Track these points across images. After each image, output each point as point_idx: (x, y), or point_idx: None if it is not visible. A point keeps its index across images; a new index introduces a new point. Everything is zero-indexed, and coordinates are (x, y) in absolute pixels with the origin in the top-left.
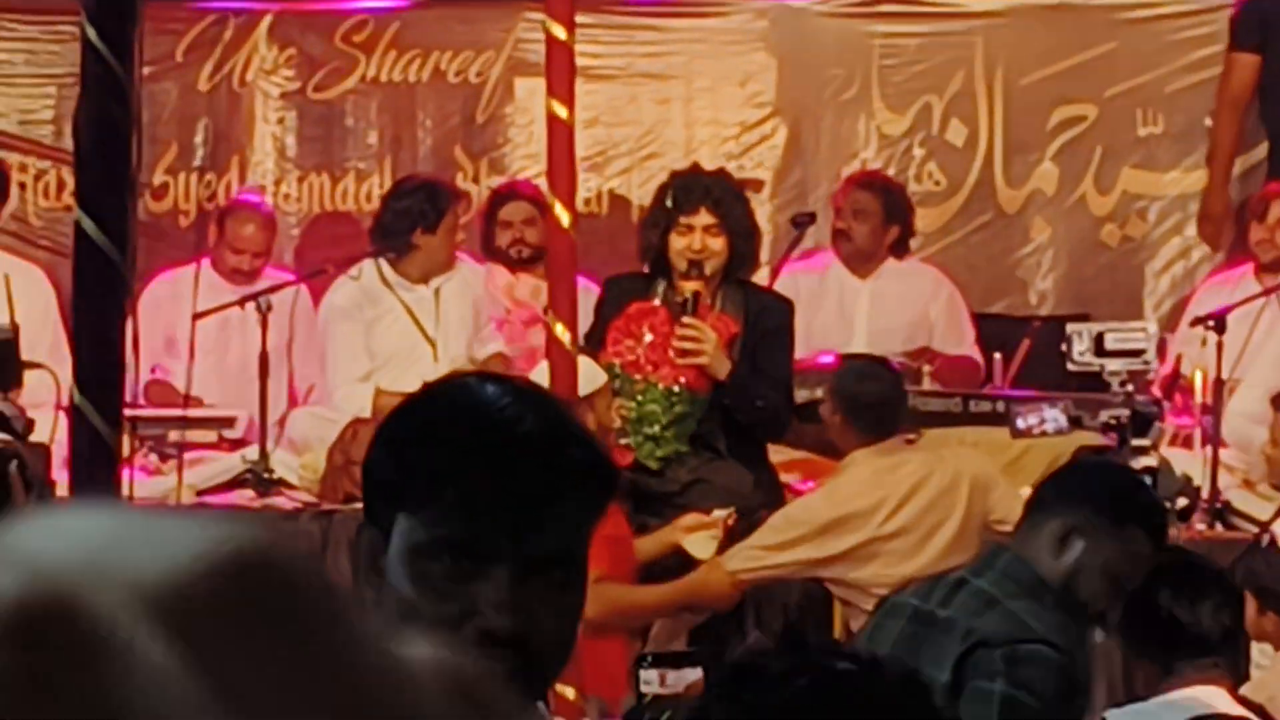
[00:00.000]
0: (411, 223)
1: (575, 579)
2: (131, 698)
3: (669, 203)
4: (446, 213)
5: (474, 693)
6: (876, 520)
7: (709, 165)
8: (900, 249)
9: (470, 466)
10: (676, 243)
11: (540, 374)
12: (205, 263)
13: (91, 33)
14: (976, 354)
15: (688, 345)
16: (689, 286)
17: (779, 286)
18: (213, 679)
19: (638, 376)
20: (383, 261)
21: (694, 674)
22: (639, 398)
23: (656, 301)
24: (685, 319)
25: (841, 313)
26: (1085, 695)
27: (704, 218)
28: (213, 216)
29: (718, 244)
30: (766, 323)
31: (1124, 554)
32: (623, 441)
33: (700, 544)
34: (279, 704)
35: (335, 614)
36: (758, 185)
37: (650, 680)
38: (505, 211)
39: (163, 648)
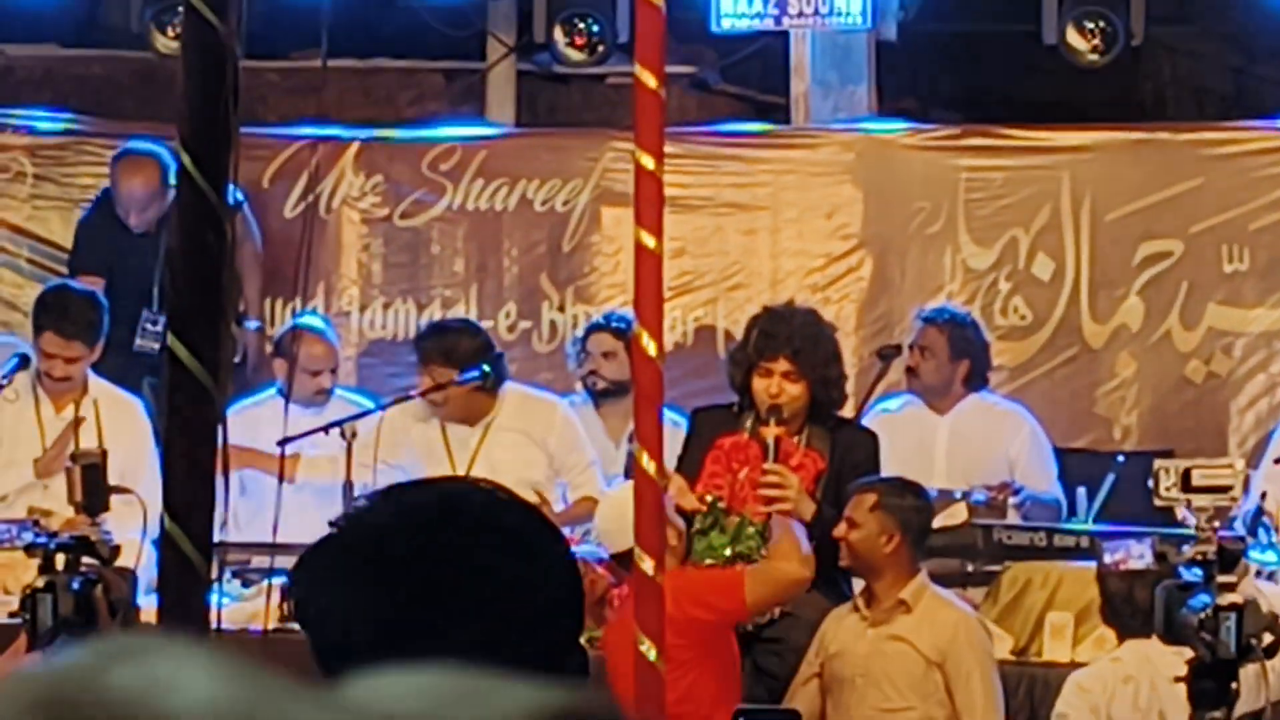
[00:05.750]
0: None
1: None
2: None
3: (752, 343)
4: None
5: None
6: None
7: (794, 297)
8: (976, 384)
9: None
10: (757, 384)
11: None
12: (273, 392)
13: (187, 160)
14: (1059, 490)
15: (772, 492)
16: (768, 432)
17: (865, 421)
18: None
19: (730, 510)
20: None
21: None
22: (737, 532)
23: (745, 435)
24: (767, 465)
25: (920, 449)
26: None
27: (783, 364)
28: (276, 347)
29: (796, 389)
30: (852, 458)
31: None
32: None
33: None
34: None
35: None
36: None
37: None
38: (590, 343)
39: None
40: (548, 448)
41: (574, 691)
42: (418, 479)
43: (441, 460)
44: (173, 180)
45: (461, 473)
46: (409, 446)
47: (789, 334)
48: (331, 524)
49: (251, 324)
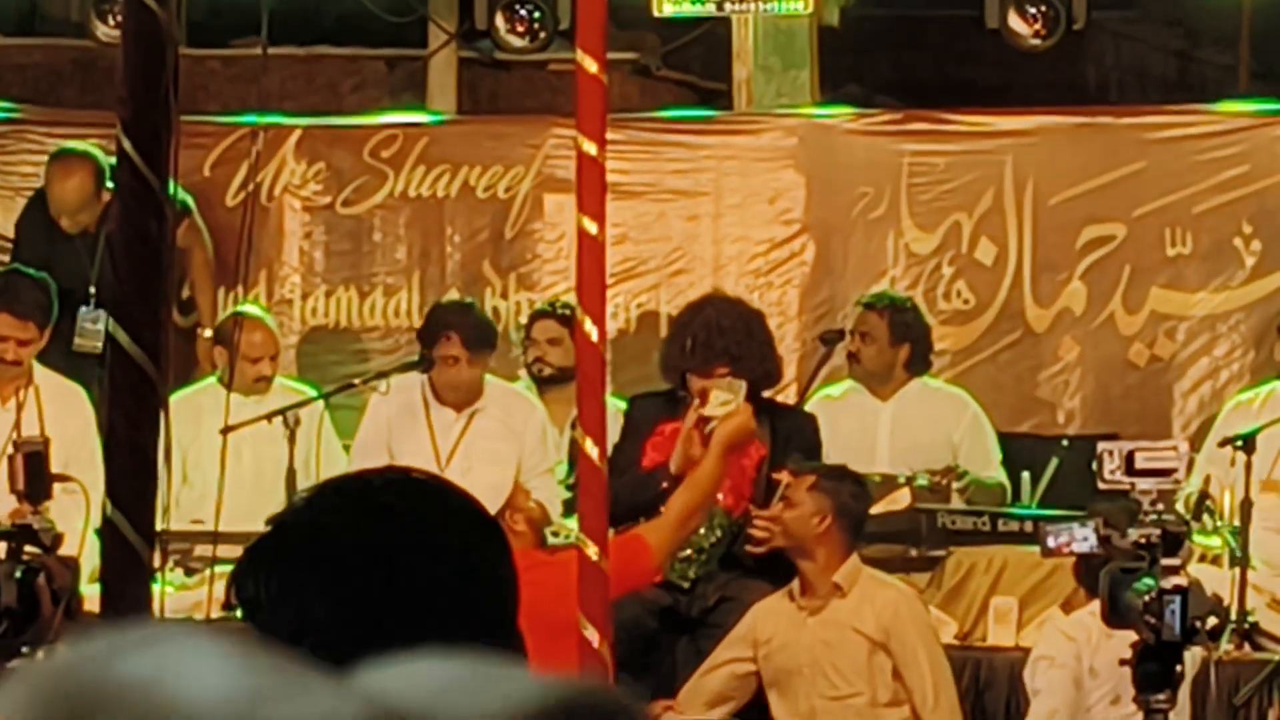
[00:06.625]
0: None
1: None
2: None
3: (687, 353)
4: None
5: None
6: None
7: (736, 283)
8: (918, 368)
9: None
10: (695, 383)
11: None
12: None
13: (127, 144)
14: (1003, 475)
15: (760, 534)
16: (780, 475)
17: (807, 407)
18: None
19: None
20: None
21: None
22: None
23: (688, 424)
24: (761, 513)
25: (863, 434)
26: None
27: (721, 370)
28: (216, 336)
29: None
30: (795, 444)
31: None
32: None
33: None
34: None
35: None
36: None
37: None
38: (535, 330)
39: None
40: (523, 443)
41: (581, 683)
42: (357, 471)
43: (424, 442)
44: (108, 182)
45: (445, 457)
46: (389, 429)
47: (724, 345)
48: (269, 521)
49: (207, 332)
